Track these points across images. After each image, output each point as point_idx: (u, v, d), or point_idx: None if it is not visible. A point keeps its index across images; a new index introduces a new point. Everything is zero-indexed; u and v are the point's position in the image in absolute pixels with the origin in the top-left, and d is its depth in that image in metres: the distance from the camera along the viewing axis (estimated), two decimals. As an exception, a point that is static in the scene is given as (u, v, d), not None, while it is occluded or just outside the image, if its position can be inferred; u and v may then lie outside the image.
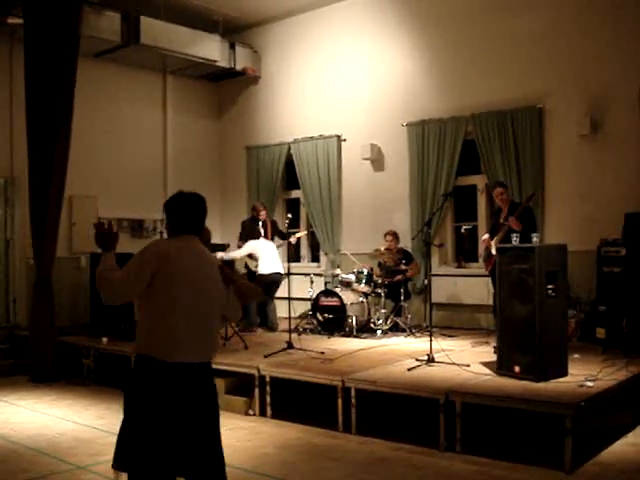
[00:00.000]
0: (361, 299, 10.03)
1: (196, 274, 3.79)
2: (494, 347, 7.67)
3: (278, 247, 10.88)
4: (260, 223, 10.90)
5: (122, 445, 3.74)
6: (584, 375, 6.52)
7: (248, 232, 10.92)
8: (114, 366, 9.29)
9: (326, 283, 11.25)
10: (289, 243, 10.35)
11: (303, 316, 10.89)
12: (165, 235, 4.14)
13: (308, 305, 10.56)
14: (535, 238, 6.88)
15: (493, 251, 8.00)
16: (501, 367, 6.81)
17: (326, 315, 9.96)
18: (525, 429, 6.45)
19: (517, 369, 6.58)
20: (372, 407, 7.00)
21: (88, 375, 9.56)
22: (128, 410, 3.75)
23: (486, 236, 8.55)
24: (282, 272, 10.23)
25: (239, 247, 10.74)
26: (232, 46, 12.77)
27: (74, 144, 9.79)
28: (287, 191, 13.25)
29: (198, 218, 3.96)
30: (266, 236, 10.85)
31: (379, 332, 9.78)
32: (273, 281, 10.32)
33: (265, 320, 10.69)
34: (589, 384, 6.20)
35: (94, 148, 11.78)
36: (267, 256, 10.33)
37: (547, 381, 6.40)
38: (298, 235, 10.84)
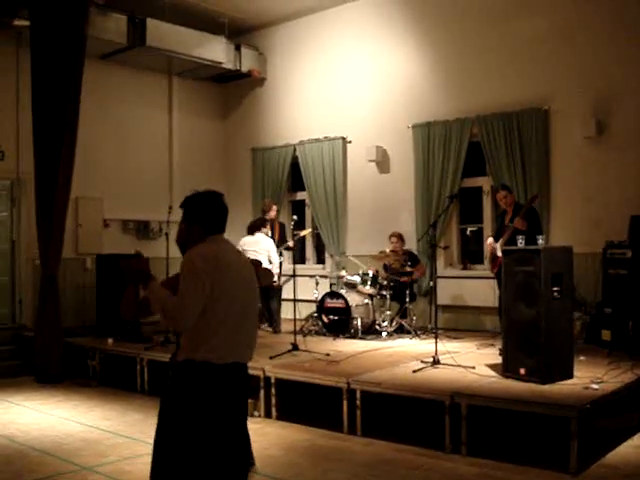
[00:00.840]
0: (366, 301, 10.02)
1: (240, 273, 3.75)
2: (499, 349, 7.66)
3: (280, 251, 10.82)
4: (268, 223, 10.80)
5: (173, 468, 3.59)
6: (589, 377, 6.51)
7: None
8: (120, 367, 9.31)
9: (331, 285, 11.24)
10: (290, 246, 10.45)
11: (308, 318, 10.89)
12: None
13: (313, 307, 10.55)
14: (540, 240, 6.87)
15: (499, 253, 7.99)
16: (507, 369, 6.81)
17: (331, 317, 9.96)
18: (531, 431, 6.44)
19: (522, 371, 6.57)
20: (377, 409, 6.99)
21: (94, 376, 9.57)
22: (182, 425, 3.59)
23: (490, 240, 8.53)
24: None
25: None
26: (238, 48, 12.78)
27: (80, 145, 9.82)
28: (292, 193, 13.26)
29: (225, 216, 3.84)
30: (273, 237, 10.78)
31: (384, 334, 9.78)
32: None
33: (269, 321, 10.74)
34: (594, 386, 6.19)
35: (100, 149, 11.81)
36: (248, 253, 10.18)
37: (552, 383, 6.38)
38: (302, 234, 10.81)
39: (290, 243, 10.68)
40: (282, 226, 11.24)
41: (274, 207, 10.98)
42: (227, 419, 3.65)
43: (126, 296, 3.77)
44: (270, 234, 10.75)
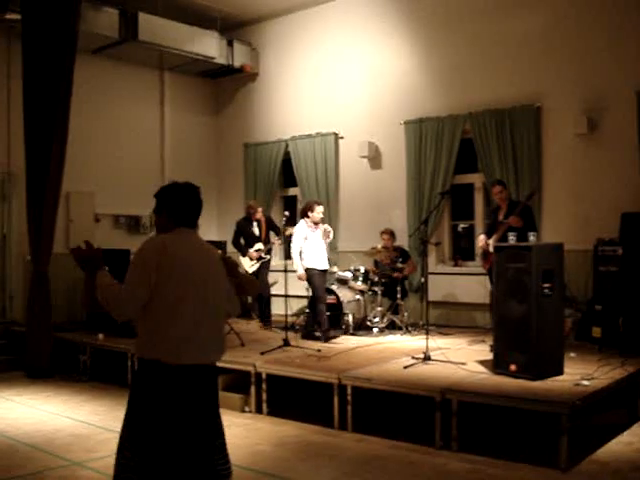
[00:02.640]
0: (358, 297, 10.03)
1: (199, 269, 3.61)
2: (490, 345, 7.68)
3: (267, 251, 10.82)
4: (255, 222, 10.87)
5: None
6: (580, 374, 6.54)
7: (241, 232, 10.91)
8: (110, 362, 9.29)
9: (323, 281, 11.25)
10: (274, 244, 10.48)
11: (300, 313, 10.89)
12: (154, 232, 3.88)
13: (305, 302, 10.55)
14: (532, 237, 6.89)
15: (491, 249, 8.02)
16: (497, 365, 6.82)
17: (323, 313, 9.96)
18: (521, 427, 6.46)
19: (513, 367, 6.59)
20: (368, 405, 7.00)
21: (84, 371, 9.55)
22: (134, 420, 3.54)
23: (482, 236, 8.54)
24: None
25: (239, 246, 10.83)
26: (230, 43, 12.76)
27: (71, 140, 9.76)
28: (284, 188, 13.25)
29: (197, 210, 3.77)
30: (260, 235, 10.83)
31: (375, 330, 9.78)
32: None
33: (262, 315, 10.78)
34: (585, 383, 6.21)
35: (91, 144, 11.77)
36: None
37: (543, 380, 6.40)
38: (288, 233, 10.79)
39: (276, 242, 10.69)
40: (269, 219, 11.22)
41: (259, 209, 10.96)
42: (177, 424, 3.49)
43: (84, 286, 3.68)
44: (258, 232, 10.78)
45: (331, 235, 9.43)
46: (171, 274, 3.50)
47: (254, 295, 8.40)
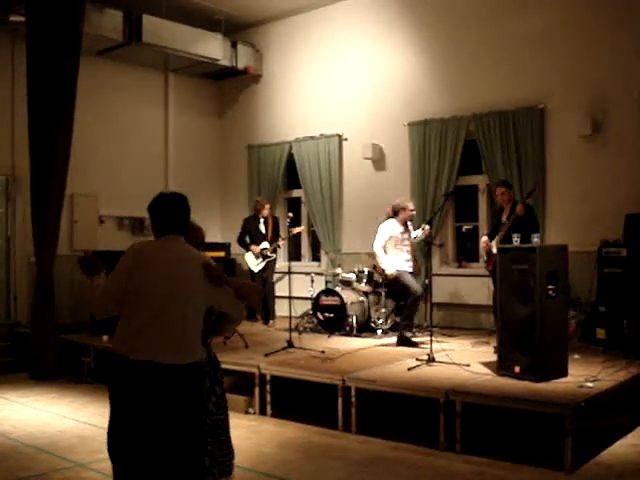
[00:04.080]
0: (361, 298, 10.03)
1: (169, 272, 3.75)
2: (494, 347, 7.68)
3: (273, 250, 10.87)
4: (262, 220, 10.93)
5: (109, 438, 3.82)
6: (584, 376, 6.53)
7: (248, 230, 10.96)
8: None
9: (327, 282, 11.26)
10: (279, 246, 10.49)
11: (303, 315, 10.90)
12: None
13: (309, 304, 10.56)
14: (536, 238, 6.88)
15: (494, 250, 8.01)
16: (501, 367, 6.82)
17: (326, 314, 9.97)
18: (525, 429, 6.44)
19: (517, 369, 6.58)
20: (372, 406, 7.00)
21: (88, 373, 9.56)
22: (111, 405, 3.82)
23: (485, 238, 8.53)
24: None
25: (244, 244, 10.85)
26: (234, 45, 12.77)
27: (75, 142, 9.79)
28: (288, 190, 13.25)
29: (178, 217, 3.94)
30: (266, 233, 10.87)
31: (379, 331, 9.79)
32: None
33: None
34: (589, 385, 6.20)
35: (95, 146, 11.78)
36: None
37: (547, 381, 6.40)
38: (296, 231, 10.80)
39: (280, 243, 10.75)
40: (276, 219, 11.31)
41: (266, 206, 11.02)
42: (128, 415, 3.68)
43: (91, 285, 3.93)
44: (264, 230, 10.83)
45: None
46: (140, 278, 3.72)
47: (256, 301, 8.31)
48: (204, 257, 4.02)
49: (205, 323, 4.00)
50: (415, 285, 8.98)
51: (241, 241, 11.02)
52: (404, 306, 9.08)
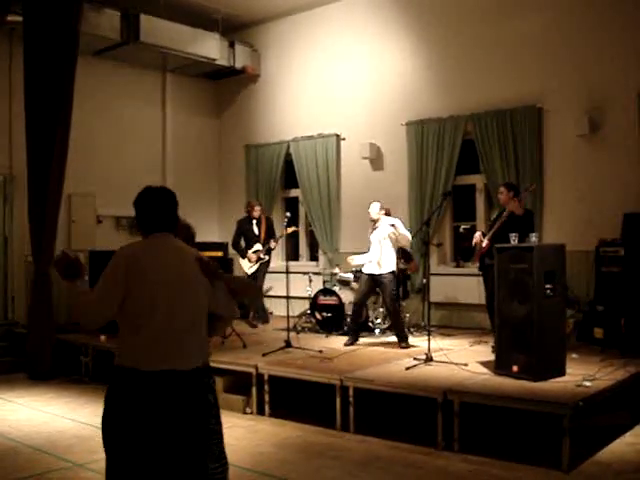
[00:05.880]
0: (359, 298, 10.02)
1: (170, 273, 3.51)
2: (492, 346, 7.68)
3: (266, 252, 10.81)
4: (254, 221, 10.87)
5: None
6: (582, 375, 6.53)
7: (242, 232, 10.90)
8: (112, 364, 9.28)
9: (325, 282, 11.25)
10: (272, 248, 10.46)
11: (301, 315, 10.89)
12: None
13: (307, 304, 10.56)
14: (534, 238, 6.88)
15: (484, 244, 8.06)
16: (499, 366, 6.82)
17: (324, 314, 9.97)
18: (523, 429, 6.45)
19: (515, 368, 6.59)
20: (370, 406, 7.00)
21: (86, 373, 9.55)
22: (110, 431, 3.44)
23: (478, 233, 8.51)
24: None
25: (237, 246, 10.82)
26: (232, 44, 12.77)
27: (73, 142, 9.78)
28: (286, 190, 13.25)
29: (167, 213, 3.67)
30: (260, 234, 10.80)
31: (377, 331, 9.79)
32: None
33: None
34: (587, 384, 6.21)
35: (93, 146, 11.77)
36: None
37: (545, 381, 6.40)
38: (289, 230, 10.73)
39: (272, 244, 10.67)
40: (269, 220, 11.21)
41: (257, 208, 10.93)
42: (144, 437, 3.36)
43: (73, 291, 3.56)
44: (257, 231, 10.76)
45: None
46: (140, 283, 3.43)
47: (253, 297, 8.19)
48: (196, 252, 3.82)
49: None
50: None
51: (236, 245, 10.90)
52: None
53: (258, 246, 10.77)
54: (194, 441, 3.48)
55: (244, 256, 10.77)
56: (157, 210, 3.66)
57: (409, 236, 8.91)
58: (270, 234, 10.92)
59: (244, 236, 10.93)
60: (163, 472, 3.41)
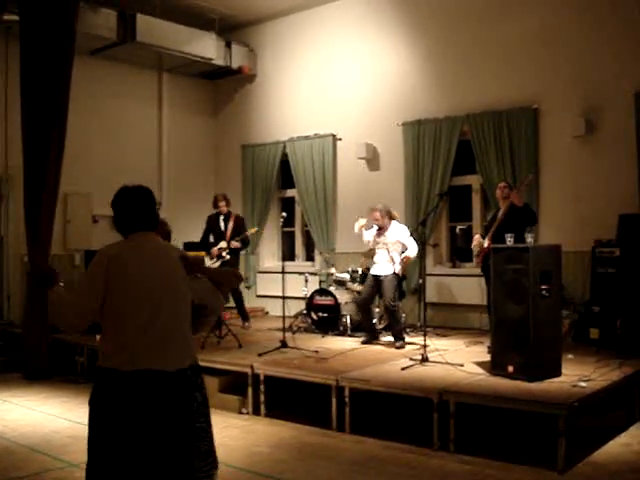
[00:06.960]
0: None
1: (154, 273, 3.50)
2: (488, 347, 7.68)
3: (230, 252, 10.58)
4: (222, 217, 10.52)
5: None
6: (577, 375, 6.53)
7: (208, 226, 10.61)
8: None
9: (320, 282, 11.26)
10: (237, 247, 10.30)
11: (297, 315, 10.89)
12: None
13: (302, 304, 10.55)
14: (530, 238, 6.89)
15: (485, 244, 8.06)
16: (495, 367, 6.83)
17: (320, 314, 9.97)
18: (518, 429, 6.46)
19: (511, 369, 6.59)
20: (366, 406, 7.01)
21: (82, 372, 9.54)
22: (92, 432, 3.52)
23: (477, 236, 8.52)
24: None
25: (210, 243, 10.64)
26: (228, 44, 12.76)
27: (69, 141, 9.75)
28: (282, 190, 13.24)
29: (147, 212, 3.65)
30: (225, 230, 10.43)
31: (373, 331, 9.78)
32: None
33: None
34: (582, 384, 6.22)
35: (89, 145, 11.76)
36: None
37: (540, 381, 6.41)
38: (249, 232, 10.55)
39: (233, 244, 10.35)
40: (239, 219, 10.76)
41: (221, 203, 10.53)
42: (127, 438, 3.38)
43: (50, 298, 3.60)
44: (224, 227, 10.47)
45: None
46: (122, 284, 3.42)
47: (235, 285, 7.98)
48: (178, 249, 3.84)
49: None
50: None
51: (202, 239, 10.62)
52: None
53: (223, 244, 10.42)
54: (178, 442, 3.46)
55: (208, 252, 10.46)
56: (137, 209, 3.64)
57: (416, 250, 8.94)
58: (237, 233, 10.46)
59: (212, 232, 10.66)
60: (147, 474, 3.39)
